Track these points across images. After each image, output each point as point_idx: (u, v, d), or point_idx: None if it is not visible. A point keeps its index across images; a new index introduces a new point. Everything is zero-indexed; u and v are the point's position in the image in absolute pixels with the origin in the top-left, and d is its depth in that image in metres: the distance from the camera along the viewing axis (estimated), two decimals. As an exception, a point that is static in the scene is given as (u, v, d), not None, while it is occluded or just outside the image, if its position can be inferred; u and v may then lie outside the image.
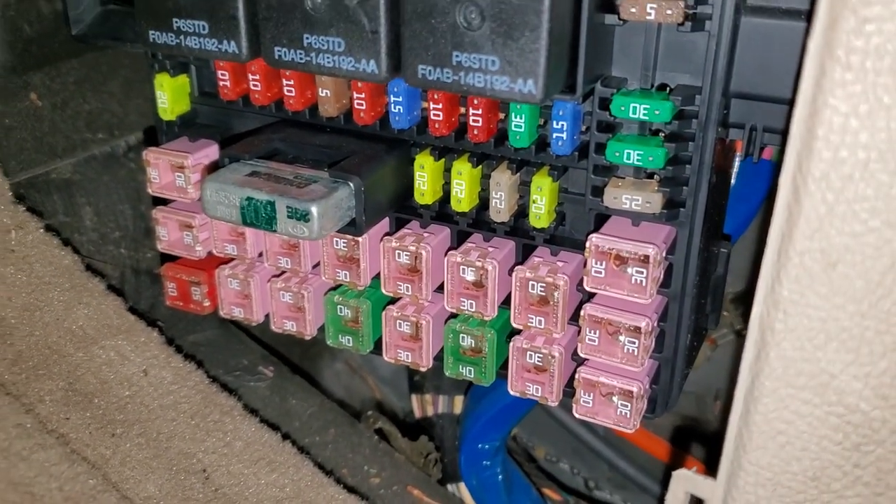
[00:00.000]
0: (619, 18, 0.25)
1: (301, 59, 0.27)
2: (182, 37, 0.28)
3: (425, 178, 0.30)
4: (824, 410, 0.21)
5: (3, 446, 0.28)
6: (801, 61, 0.20)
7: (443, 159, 0.31)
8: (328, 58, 0.26)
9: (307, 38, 0.26)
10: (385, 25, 0.25)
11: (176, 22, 0.28)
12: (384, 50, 0.25)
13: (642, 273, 0.27)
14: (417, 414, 0.47)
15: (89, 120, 0.45)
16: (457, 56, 0.24)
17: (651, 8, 0.24)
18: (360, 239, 0.31)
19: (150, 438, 0.33)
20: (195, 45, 0.28)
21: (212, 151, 0.35)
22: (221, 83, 0.32)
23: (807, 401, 0.21)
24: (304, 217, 0.28)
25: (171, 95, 0.34)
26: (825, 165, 0.19)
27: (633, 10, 0.25)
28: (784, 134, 0.26)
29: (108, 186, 0.45)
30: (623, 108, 0.26)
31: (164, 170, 0.35)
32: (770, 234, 0.21)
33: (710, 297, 0.33)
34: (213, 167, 0.34)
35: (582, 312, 0.29)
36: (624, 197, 0.28)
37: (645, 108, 0.26)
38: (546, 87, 0.24)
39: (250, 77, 0.31)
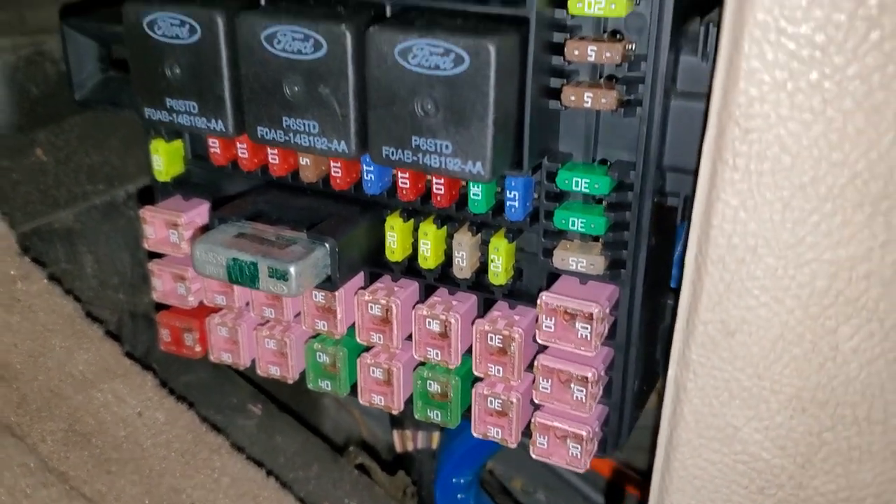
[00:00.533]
0: (562, 105, 0.28)
1: (281, 138, 0.30)
2: (174, 114, 0.32)
3: (395, 238, 0.34)
4: (732, 458, 0.24)
5: (8, 484, 0.31)
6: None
7: (411, 220, 0.34)
8: (305, 138, 0.30)
9: (286, 121, 0.30)
10: (354, 111, 0.28)
11: (168, 101, 0.32)
12: (353, 132, 0.29)
13: (587, 328, 0.31)
14: (398, 448, 0.50)
15: (90, 172, 0.49)
16: (415, 140, 0.28)
17: (588, 97, 0.28)
18: (336, 293, 0.34)
19: (144, 475, 0.36)
20: (186, 122, 0.31)
21: (203, 210, 0.38)
22: (212, 150, 0.35)
23: (716, 450, 0.24)
24: (283, 276, 0.31)
25: (166, 159, 0.37)
26: (721, 250, 0.22)
27: (573, 98, 0.28)
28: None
29: (107, 235, 0.48)
30: (567, 181, 0.30)
31: (159, 226, 0.38)
32: (679, 305, 0.24)
33: (660, 346, 0.36)
34: (205, 225, 0.37)
35: (536, 363, 0.32)
36: (571, 259, 0.31)
37: (586, 182, 0.29)
38: (493, 168, 0.27)
39: (238, 146, 0.34)
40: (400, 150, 0.28)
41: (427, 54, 0.26)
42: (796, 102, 0.20)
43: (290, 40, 0.28)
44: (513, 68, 0.27)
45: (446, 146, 0.27)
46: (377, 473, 0.45)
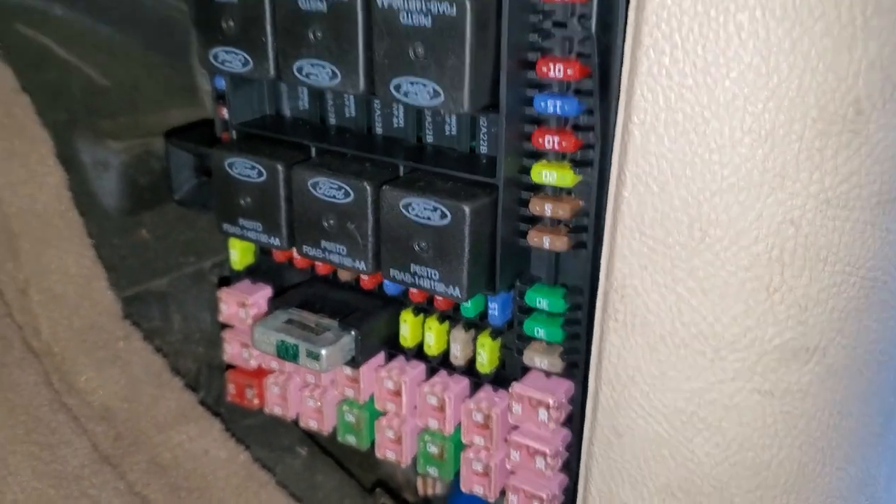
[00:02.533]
0: (528, 243, 0.38)
1: (319, 255, 0.40)
2: (244, 230, 0.42)
3: (408, 329, 0.43)
4: (623, 526, 0.33)
5: (104, 502, 0.42)
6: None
7: (420, 315, 0.43)
8: (336, 257, 0.40)
9: (323, 243, 0.40)
10: (371, 243, 0.39)
11: (241, 220, 0.42)
12: (370, 257, 0.39)
13: (546, 414, 0.40)
14: (420, 492, 0.59)
15: (183, 247, 0.60)
16: (413, 266, 0.38)
17: (546, 240, 0.37)
18: (360, 369, 0.44)
19: (206, 502, 0.46)
20: (253, 237, 0.42)
21: (266, 293, 0.49)
22: (274, 250, 0.46)
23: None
24: (316, 357, 0.42)
25: (239, 253, 0.48)
26: (610, 374, 0.31)
27: (536, 239, 0.37)
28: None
29: (194, 298, 0.60)
30: (533, 300, 0.39)
31: (231, 304, 0.49)
32: (586, 411, 0.33)
33: (620, 427, 0.44)
34: (267, 305, 0.48)
35: (508, 437, 0.41)
36: (536, 359, 0.40)
37: (547, 302, 0.39)
38: (468, 291, 0.37)
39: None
40: (402, 273, 0.38)
41: (422, 209, 0.36)
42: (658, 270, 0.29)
43: (328, 188, 0.39)
44: (485, 221, 0.37)
45: (435, 273, 0.37)
46: (397, 513, 0.55)
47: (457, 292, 0.37)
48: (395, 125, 0.41)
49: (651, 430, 0.31)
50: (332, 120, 0.43)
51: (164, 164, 0.58)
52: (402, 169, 0.39)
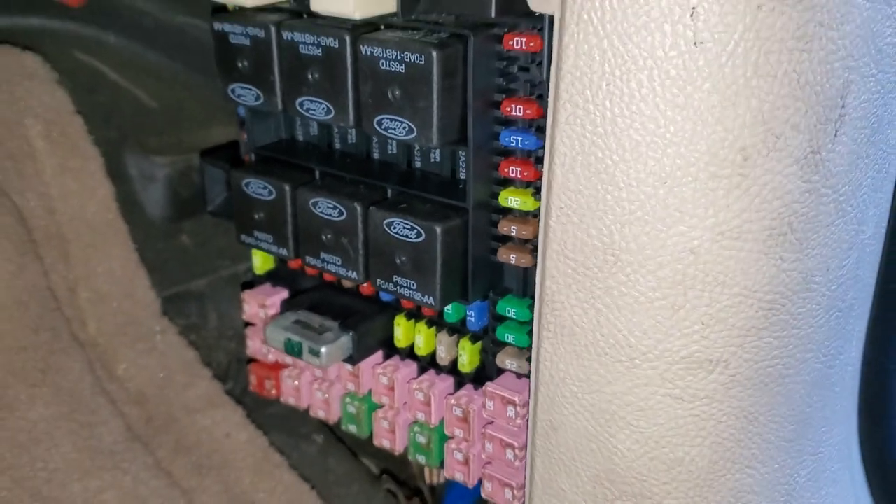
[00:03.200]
0: (499, 259, 0.43)
1: (319, 265, 0.46)
2: (259, 241, 0.48)
3: (401, 331, 0.49)
4: (561, 510, 0.37)
5: (134, 474, 0.49)
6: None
7: (412, 320, 0.49)
8: (333, 267, 0.45)
9: (322, 255, 0.46)
10: (361, 255, 0.44)
11: (255, 232, 0.48)
12: (361, 268, 0.44)
13: (514, 410, 0.44)
14: (427, 480, 0.64)
15: (220, 253, 0.67)
16: (395, 278, 0.43)
17: (513, 257, 0.42)
18: (359, 366, 0.50)
19: (224, 480, 0.52)
20: (265, 247, 0.48)
21: (282, 296, 0.55)
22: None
23: None
24: (317, 354, 0.47)
25: (261, 260, 0.55)
26: (546, 377, 0.36)
27: (504, 256, 0.42)
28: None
29: (228, 298, 0.66)
30: (503, 309, 0.44)
31: (252, 305, 0.55)
32: (530, 407, 0.37)
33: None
34: (283, 305, 0.54)
35: (483, 431, 0.46)
36: (507, 361, 0.45)
37: (515, 311, 0.43)
38: (442, 301, 0.42)
39: (301, 259, 0.51)
40: (387, 283, 0.43)
41: (402, 227, 0.42)
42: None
43: (326, 207, 0.44)
44: (457, 240, 0.42)
45: (413, 284, 0.42)
46: (400, 498, 0.60)
47: (431, 301, 0.42)
48: (390, 151, 0.47)
49: (580, 426, 0.36)
50: (338, 145, 0.49)
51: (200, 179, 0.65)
52: (390, 192, 0.44)
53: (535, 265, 0.42)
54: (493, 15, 0.36)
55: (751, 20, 0.29)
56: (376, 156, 0.48)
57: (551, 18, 0.33)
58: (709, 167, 0.31)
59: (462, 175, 0.44)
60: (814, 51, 0.30)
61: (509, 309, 0.44)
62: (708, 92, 0.30)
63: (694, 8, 0.29)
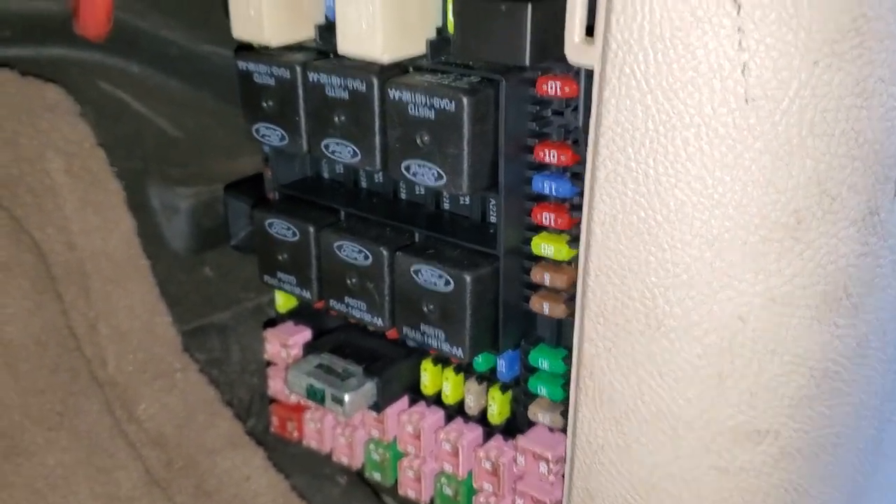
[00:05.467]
0: (531, 308, 0.41)
1: (343, 309, 0.45)
2: (282, 282, 0.47)
3: (427, 377, 0.47)
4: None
5: (153, 521, 0.48)
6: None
7: (439, 365, 0.47)
8: (357, 311, 0.44)
9: (346, 299, 0.44)
10: (387, 301, 0.43)
11: (279, 273, 0.47)
12: (387, 314, 0.43)
13: (546, 467, 0.43)
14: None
15: (243, 285, 0.66)
16: (422, 326, 0.41)
17: (545, 306, 0.40)
18: (384, 412, 0.48)
19: (246, 524, 0.51)
20: (288, 288, 0.47)
21: (305, 335, 0.53)
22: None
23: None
24: (340, 402, 0.46)
25: (283, 297, 0.53)
26: (583, 441, 0.34)
27: (536, 306, 0.41)
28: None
29: (251, 332, 0.65)
30: (535, 360, 0.42)
31: (274, 344, 0.54)
32: (566, 474, 0.36)
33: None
34: (305, 346, 0.52)
35: (514, 486, 0.45)
36: (540, 414, 0.43)
37: (547, 363, 0.42)
38: (471, 352, 0.41)
39: (326, 300, 0.49)
40: (413, 331, 0.42)
41: (429, 275, 0.40)
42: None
43: (351, 250, 0.43)
44: (487, 288, 0.40)
45: (441, 334, 0.41)
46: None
47: (460, 353, 0.41)
48: (418, 192, 0.45)
49: (619, 495, 0.34)
50: (364, 184, 0.48)
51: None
52: (417, 236, 0.43)
53: (570, 315, 0.40)
54: (527, 63, 0.34)
55: (806, 77, 0.27)
56: (404, 196, 0.46)
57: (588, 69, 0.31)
58: (759, 230, 0.29)
59: (493, 219, 0.43)
60: (874, 108, 0.28)
61: (542, 360, 0.42)
62: (759, 151, 0.28)
63: (745, 63, 0.27)
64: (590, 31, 0.31)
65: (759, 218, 0.29)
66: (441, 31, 0.40)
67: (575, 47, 0.31)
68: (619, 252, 0.31)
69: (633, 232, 0.30)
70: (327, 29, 0.42)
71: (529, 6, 0.33)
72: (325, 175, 0.49)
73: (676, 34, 0.27)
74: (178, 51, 0.62)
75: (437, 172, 0.38)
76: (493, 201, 0.42)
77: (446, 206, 0.44)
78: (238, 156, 0.64)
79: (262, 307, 0.66)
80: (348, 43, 0.39)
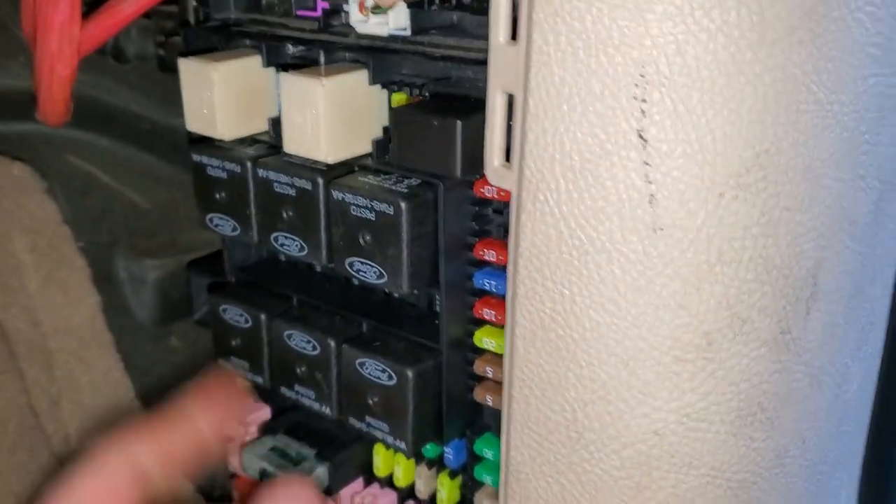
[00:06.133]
0: (477, 399, 0.42)
1: (293, 396, 0.46)
2: (235, 366, 0.48)
3: (380, 460, 0.48)
4: None
5: None
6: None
7: (391, 450, 0.48)
8: (307, 399, 0.45)
9: (296, 387, 0.45)
10: (335, 392, 0.44)
11: (232, 358, 0.48)
12: (334, 403, 0.44)
13: (491, 554, 0.43)
14: None
15: (210, 354, 0.66)
16: (367, 418, 0.42)
17: (489, 398, 0.41)
18: (339, 493, 0.49)
19: None
20: (242, 372, 0.48)
21: (265, 413, 0.54)
22: (268, 378, 0.51)
23: None
24: (292, 486, 0.46)
25: (242, 374, 0.54)
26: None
27: (480, 397, 0.41)
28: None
29: (217, 399, 0.65)
30: (480, 449, 0.43)
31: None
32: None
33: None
34: (262, 425, 0.53)
35: (461, 570, 0.45)
36: (485, 502, 0.44)
37: (492, 453, 0.42)
38: (415, 445, 0.41)
39: (281, 381, 0.50)
40: (359, 422, 0.43)
41: (374, 368, 0.41)
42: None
43: (300, 340, 0.44)
44: (430, 382, 0.41)
45: (385, 426, 0.42)
46: None
47: (403, 446, 0.41)
48: (368, 279, 0.46)
49: None
50: (318, 267, 0.48)
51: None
52: (365, 325, 0.44)
53: (512, 408, 0.41)
54: (458, 175, 0.35)
55: (713, 207, 0.28)
56: (356, 281, 0.47)
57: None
58: (672, 351, 0.30)
59: (439, 308, 0.44)
60: (780, 235, 0.29)
61: (486, 450, 0.43)
62: (670, 277, 0.29)
63: (653, 195, 0.28)
64: (509, 155, 0.32)
65: (672, 339, 0.30)
66: (387, 129, 0.41)
67: (494, 171, 0.32)
68: (539, 367, 0.32)
69: (552, 348, 0.31)
70: (279, 122, 0.43)
71: (459, 123, 0.34)
72: (282, 257, 0.50)
73: (586, 165, 0.28)
74: (149, 125, 0.63)
75: (379, 271, 0.39)
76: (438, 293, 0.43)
77: (391, 292, 0.45)
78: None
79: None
80: (294, 144, 0.40)
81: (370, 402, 0.42)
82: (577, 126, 0.28)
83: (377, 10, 0.38)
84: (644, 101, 0.27)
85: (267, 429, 0.51)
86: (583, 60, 0.28)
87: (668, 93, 0.27)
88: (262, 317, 0.46)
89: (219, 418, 0.38)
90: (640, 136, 0.28)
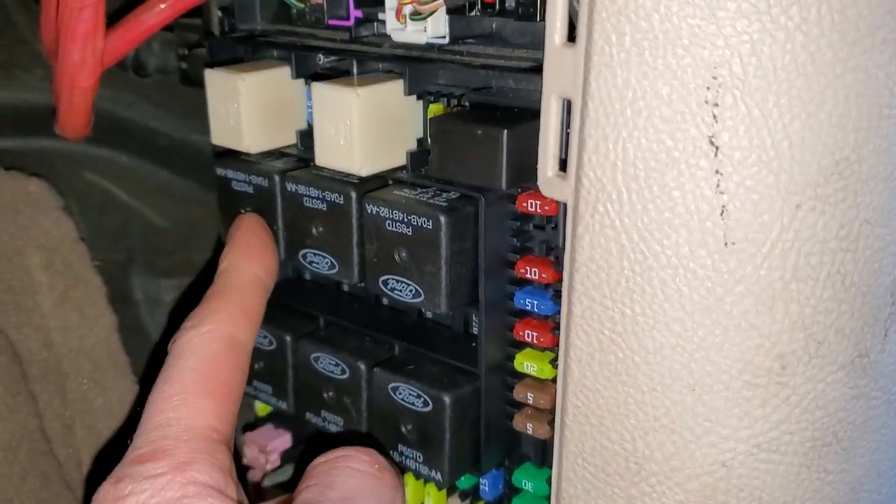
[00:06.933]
0: (517, 428, 0.39)
1: (320, 423, 0.44)
2: (257, 391, 0.46)
3: (409, 492, 0.45)
4: None
5: None
6: None
7: (420, 480, 0.45)
8: (334, 426, 0.43)
9: (323, 413, 0.43)
10: (364, 416, 0.41)
11: (255, 382, 0.46)
12: (363, 431, 0.41)
13: (530, 592, 0.41)
14: None
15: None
16: (400, 447, 0.40)
17: (529, 426, 0.39)
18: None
19: None
20: (264, 398, 0.46)
21: (286, 439, 0.51)
22: (291, 403, 0.49)
23: None
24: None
25: (261, 403, 0.52)
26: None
27: (520, 425, 0.39)
28: None
29: (237, 426, 0.63)
30: (519, 481, 0.40)
31: (253, 448, 0.52)
32: None
33: None
34: (284, 453, 0.51)
35: None
36: (522, 538, 0.41)
37: (532, 484, 0.40)
38: (451, 476, 0.39)
39: (306, 406, 0.48)
40: (391, 451, 0.40)
41: (408, 394, 0.39)
42: None
43: (328, 363, 0.42)
44: (468, 409, 0.39)
45: (419, 456, 0.39)
46: None
47: (438, 477, 0.39)
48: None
49: None
50: (346, 287, 0.46)
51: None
52: (397, 348, 0.42)
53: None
54: (504, 187, 0.33)
55: (789, 220, 0.26)
56: (386, 301, 0.45)
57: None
58: (742, 375, 0.27)
59: (475, 330, 0.42)
60: (860, 250, 0.27)
61: (526, 481, 0.40)
62: (741, 295, 0.27)
63: (724, 206, 0.26)
64: (564, 164, 0.30)
65: (742, 363, 0.27)
66: (422, 141, 0.39)
67: (548, 181, 0.30)
68: (596, 392, 0.29)
69: (611, 372, 0.29)
70: (308, 135, 0.42)
71: (505, 132, 0.32)
72: (307, 276, 0.48)
73: (652, 174, 0.26)
74: (168, 141, 0.61)
75: (415, 289, 0.37)
76: (475, 314, 0.41)
77: (428, 314, 0.43)
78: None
79: (247, 402, 0.65)
80: (326, 156, 0.38)
81: (403, 429, 0.40)
82: (642, 132, 0.26)
83: (416, 16, 0.37)
84: (716, 104, 0.25)
85: (288, 456, 0.49)
86: (649, 62, 0.26)
87: (742, 96, 0.25)
88: (287, 338, 0.44)
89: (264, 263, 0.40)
90: (712, 143, 0.26)
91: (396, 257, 0.37)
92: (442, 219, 0.35)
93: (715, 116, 0.26)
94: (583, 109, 0.27)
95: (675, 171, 0.26)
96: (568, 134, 0.29)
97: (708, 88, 0.25)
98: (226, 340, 0.36)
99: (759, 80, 0.25)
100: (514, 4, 0.34)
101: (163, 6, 0.45)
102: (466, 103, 0.37)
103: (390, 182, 0.39)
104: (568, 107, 0.29)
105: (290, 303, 0.46)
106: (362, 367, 0.41)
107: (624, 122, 0.27)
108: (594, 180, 0.27)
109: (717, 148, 0.26)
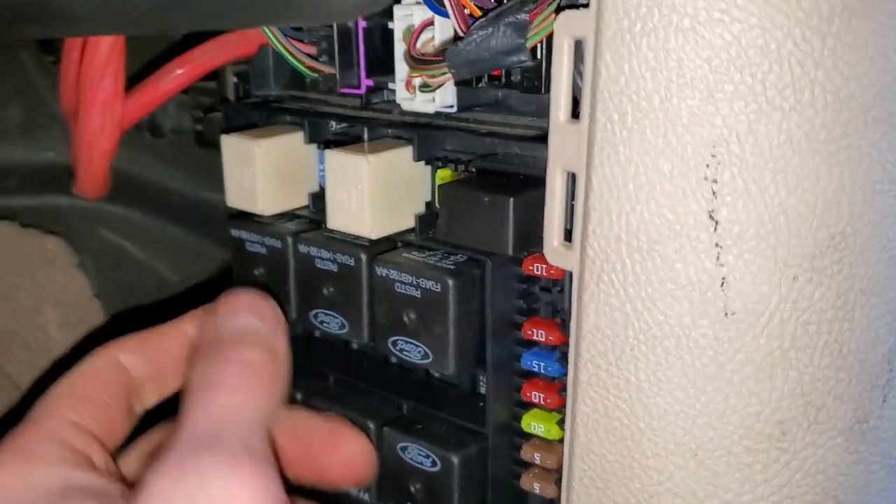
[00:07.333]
0: (524, 487, 0.40)
1: (330, 480, 0.43)
2: (268, 447, 0.46)
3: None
4: None
5: None
6: None
7: (430, 536, 0.46)
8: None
9: (333, 469, 0.43)
10: (374, 476, 0.41)
11: (266, 437, 0.46)
12: (373, 489, 0.42)
13: None
14: None
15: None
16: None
17: (536, 486, 0.39)
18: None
19: None
20: (274, 454, 0.46)
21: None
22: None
23: None
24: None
25: (272, 455, 0.52)
26: None
27: (527, 485, 0.39)
28: None
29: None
30: (525, 540, 0.41)
31: (263, 503, 0.52)
32: None
33: None
34: (293, 507, 0.51)
35: None
36: None
37: (538, 543, 0.40)
38: (459, 535, 0.39)
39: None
40: (402, 518, 0.41)
41: (416, 454, 0.39)
42: None
43: (338, 421, 0.42)
44: (475, 468, 0.39)
45: (429, 515, 0.40)
46: None
47: (451, 524, 0.40)
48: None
49: None
50: (355, 345, 0.47)
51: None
52: (405, 407, 0.42)
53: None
54: (510, 252, 0.34)
55: (787, 291, 0.27)
56: (394, 359, 0.46)
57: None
58: (743, 440, 0.28)
59: (482, 390, 0.42)
60: (856, 319, 0.28)
61: (538, 532, 0.41)
62: (741, 363, 0.28)
63: (724, 278, 0.27)
64: (569, 234, 0.31)
65: (744, 428, 0.28)
66: (430, 204, 0.41)
67: (554, 251, 0.31)
68: (602, 456, 0.30)
69: (616, 437, 0.30)
70: (320, 197, 0.43)
71: (512, 200, 0.33)
72: (317, 334, 0.49)
73: (654, 247, 0.27)
74: (181, 199, 0.63)
75: (424, 351, 0.38)
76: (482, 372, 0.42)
77: (436, 373, 0.44)
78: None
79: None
80: (338, 219, 0.39)
81: (412, 489, 0.40)
82: (644, 206, 0.27)
83: (425, 88, 0.38)
84: (715, 181, 0.26)
85: (299, 512, 0.49)
86: (650, 140, 0.27)
87: (740, 173, 0.26)
88: (298, 396, 0.44)
89: (211, 324, 0.39)
90: (711, 217, 0.27)
91: (405, 319, 0.38)
92: (450, 282, 0.36)
93: (714, 192, 0.27)
94: (587, 183, 0.28)
95: (676, 243, 0.27)
96: (573, 205, 0.30)
97: (707, 165, 0.26)
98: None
99: (756, 157, 0.26)
100: (519, 77, 0.35)
101: (179, 72, 0.47)
102: (473, 169, 0.38)
103: (399, 244, 0.40)
104: (572, 179, 0.30)
105: (300, 360, 0.47)
106: (372, 426, 0.41)
107: (627, 196, 0.28)
108: (599, 251, 0.28)
109: (716, 222, 0.27)
